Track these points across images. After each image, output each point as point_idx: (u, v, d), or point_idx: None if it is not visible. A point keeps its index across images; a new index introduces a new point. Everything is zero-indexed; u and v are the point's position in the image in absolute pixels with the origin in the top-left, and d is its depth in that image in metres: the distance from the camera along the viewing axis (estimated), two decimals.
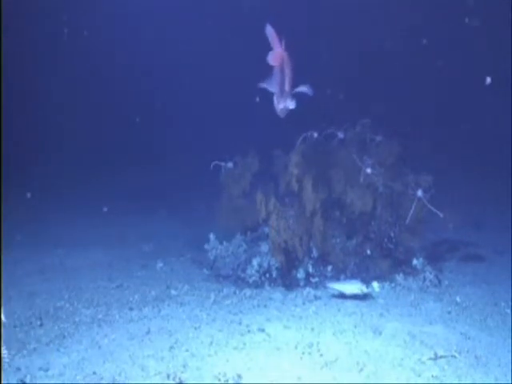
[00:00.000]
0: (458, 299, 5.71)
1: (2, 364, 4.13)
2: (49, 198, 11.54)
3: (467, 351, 4.36)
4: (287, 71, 4.81)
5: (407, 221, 6.08)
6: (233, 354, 4.23)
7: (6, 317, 5.25)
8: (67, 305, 5.55)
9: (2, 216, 9.01)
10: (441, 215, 5.77)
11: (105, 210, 10.47)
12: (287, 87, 4.79)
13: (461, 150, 12.57)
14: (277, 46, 4.83)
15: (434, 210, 5.86)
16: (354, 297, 5.61)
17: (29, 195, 10.61)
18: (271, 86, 4.85)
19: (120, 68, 16.05)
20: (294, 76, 4.84)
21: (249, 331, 4.70)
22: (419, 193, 6.05)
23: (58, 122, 14.82)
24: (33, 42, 14.74)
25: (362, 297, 5.62)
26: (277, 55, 4.82)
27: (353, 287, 5.57)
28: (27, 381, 3.86)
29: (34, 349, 4.44)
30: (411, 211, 6.01)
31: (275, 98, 4.85)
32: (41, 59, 15.23)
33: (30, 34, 14.57)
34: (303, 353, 4.26)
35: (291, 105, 4.82)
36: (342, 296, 5.65)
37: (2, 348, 4.34)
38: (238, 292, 5.95)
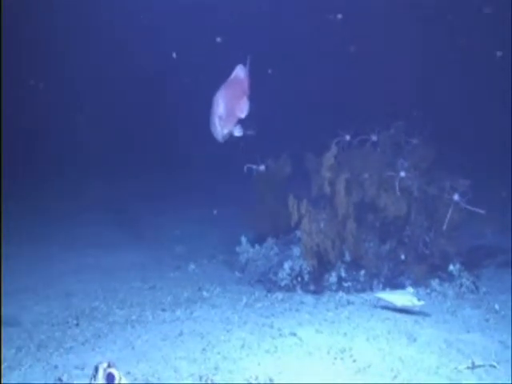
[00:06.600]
0: (496, 307, 5.53)
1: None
2: (75, 197, 11.79)
3: (506, 361, 4.21)
4: (245, 97, 4.32)
5: (444, 226, 5.92)
6: (264, 358, 4.22)
7: (45, 316, 5.41)
8: (102, 305, 5.66)
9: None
10: (482, 212, 5.57)
11: (133, 209, 10.60)
12: (241, 113, 4.31)
13: (498, 152, 12.21)
14: (245, 71, 4.36)
15: (475, 210, 5.66)
16: (404, 310, 5.21)
17: (58, 195, 10.85)
18: (216, 108, 4.27)
19: (132, 66, 16.12)
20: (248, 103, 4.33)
21: (280, 335, 4.67)
22: (456, 197, 5.91)
23: (71, 118, 14.97)
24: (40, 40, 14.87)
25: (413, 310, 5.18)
26: (244, 79, 4.32)
27: (403, 298, 5.11)
28: (64, 379, 3.94)
29: (71, 347, 4.54)
30: (448, 216, 5.87)
31: (218, 121, 4.29)
32: (48, 58, 15.39)
33: (32, 31, 14.70)
34: (335, 358, 4.21)
35: (238, 132, 4.35)
36: (389, 307, 5.28)
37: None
38: (269, 295, 5.94)
